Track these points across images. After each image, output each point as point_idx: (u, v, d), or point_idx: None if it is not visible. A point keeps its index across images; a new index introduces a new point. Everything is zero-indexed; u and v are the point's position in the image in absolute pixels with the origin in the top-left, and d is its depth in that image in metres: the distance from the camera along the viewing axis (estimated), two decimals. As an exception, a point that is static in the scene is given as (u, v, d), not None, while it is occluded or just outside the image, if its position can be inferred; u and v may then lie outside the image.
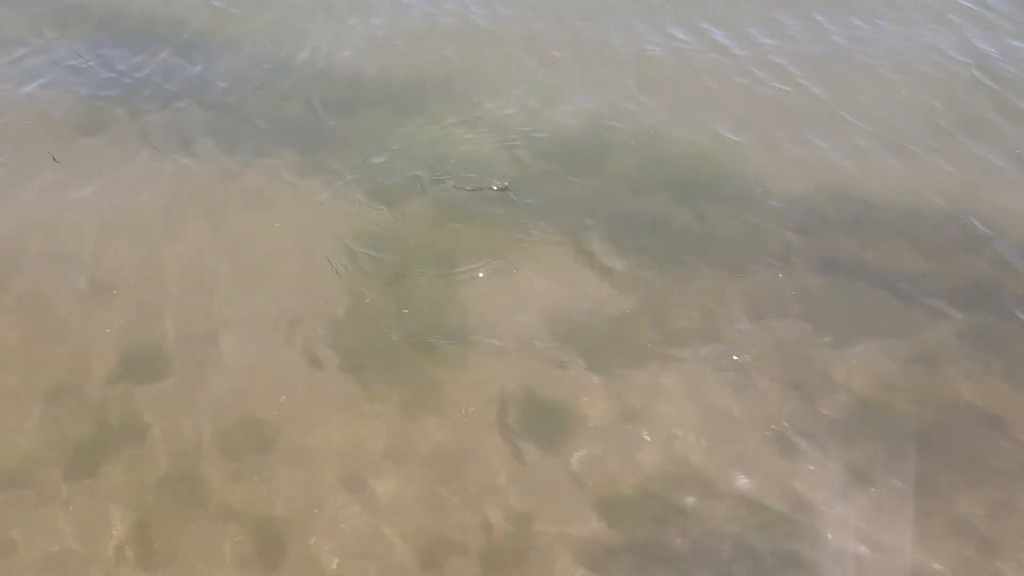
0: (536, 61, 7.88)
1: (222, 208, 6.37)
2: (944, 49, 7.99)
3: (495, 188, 6.43)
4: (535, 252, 6.02)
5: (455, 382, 5.19)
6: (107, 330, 5.44)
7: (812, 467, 4.79)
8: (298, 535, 4.48)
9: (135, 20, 8.31)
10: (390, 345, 5.40)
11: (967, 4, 8.56)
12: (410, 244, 6.11)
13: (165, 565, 4.36)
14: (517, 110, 7.35)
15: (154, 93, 7.48)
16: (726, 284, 5.79)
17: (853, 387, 5.18)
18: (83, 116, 7.18)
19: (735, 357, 5.33)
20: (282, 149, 6.91)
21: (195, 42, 8.08)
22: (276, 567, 4.36)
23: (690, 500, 4.64)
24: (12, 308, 5.59)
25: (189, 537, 4.47)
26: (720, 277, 5.84)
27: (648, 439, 4.91)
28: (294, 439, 4.90)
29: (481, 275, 5.83)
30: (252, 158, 6.82)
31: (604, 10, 8.54)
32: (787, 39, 8.13)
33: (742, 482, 4.72)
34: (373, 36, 8.17)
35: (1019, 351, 5.37)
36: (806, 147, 6.96)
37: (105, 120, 7.14)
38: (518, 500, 4.64)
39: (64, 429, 4.92)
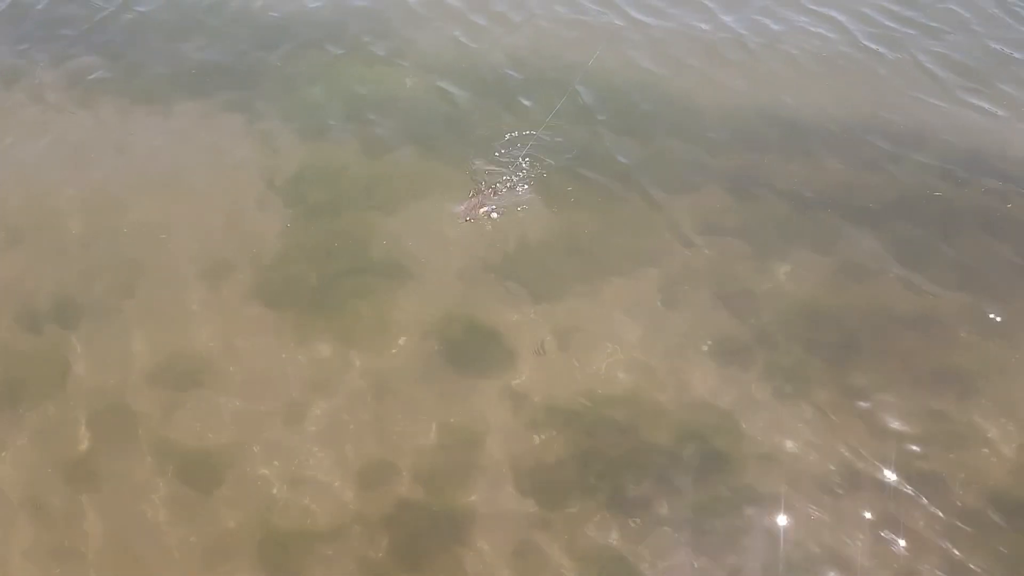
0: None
1: (145, 150, 6.27)
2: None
3: None
4: (465, 186, 5.99)
5: (388, 314, 5.20)
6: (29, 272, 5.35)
7: (743, 376, 4.88)
8: (233, 464, 4.49)
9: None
10: (321, 280, 5.38)
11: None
12: (336, 181, 6.07)
13: (99, 495, 4.35)
14: (446, 47, 7.30)
15: (63, 39, 7.38)
16: (657, 208, 5.83)
17: (783, 299, 5.27)
18: None
19: (668, 276, 5.39)
20: (205, 89, 6.81)
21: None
22: (211, 493, 4.38)
23: (625, 413, 4.72)
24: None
25: (123, 469, 4.45)
26: (652, 201, 5.88)
27: (584, 359, 4.97)
28: (225, 374, 4.88)
29: (409, 209, 5.80)
30: (174, 99, 6.72)
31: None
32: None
33: (675, 394, 4.80)
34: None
35: (942, 259, 5.49)
36: (728, 69, 7.02)
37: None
38: (455, 423, 4.68)
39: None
